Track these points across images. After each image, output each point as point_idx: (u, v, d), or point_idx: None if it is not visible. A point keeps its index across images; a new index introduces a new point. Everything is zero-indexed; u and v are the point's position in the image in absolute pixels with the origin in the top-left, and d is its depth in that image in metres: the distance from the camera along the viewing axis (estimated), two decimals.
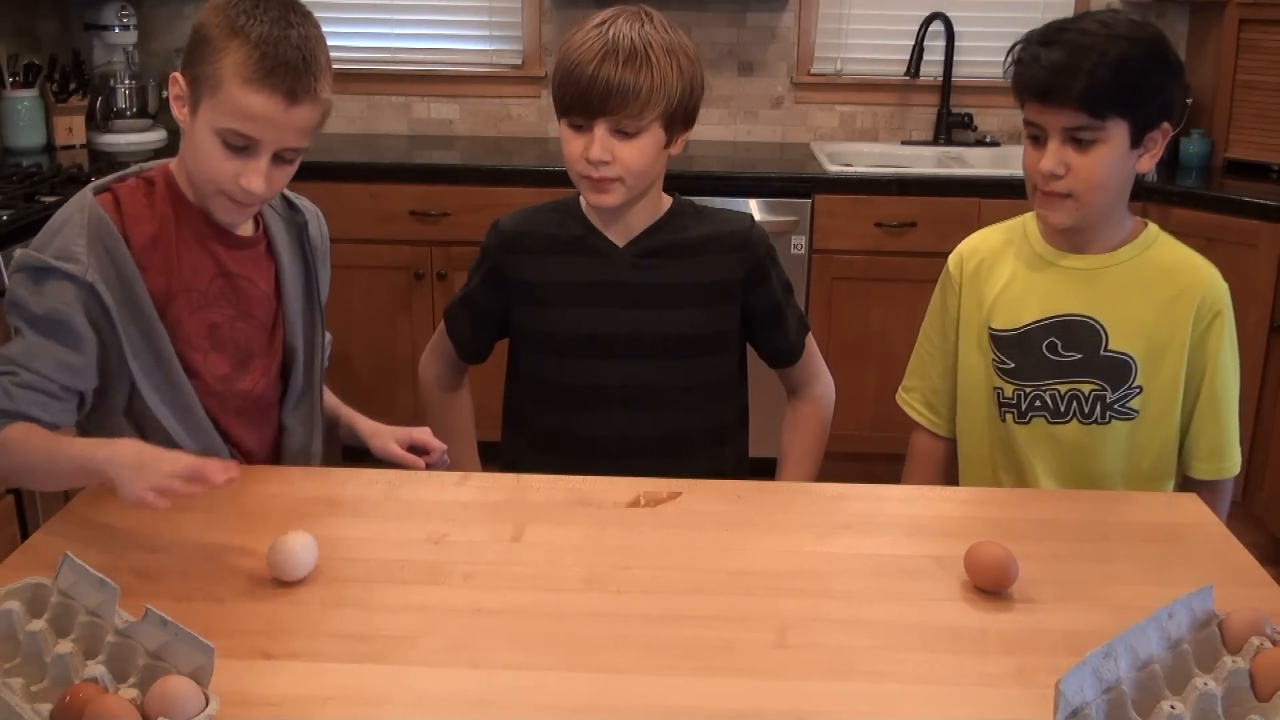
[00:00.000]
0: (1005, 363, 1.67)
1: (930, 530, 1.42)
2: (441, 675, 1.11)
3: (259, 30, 1.37)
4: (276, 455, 1.65)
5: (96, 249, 1.41)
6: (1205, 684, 1.01)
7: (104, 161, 3.24)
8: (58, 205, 2.56)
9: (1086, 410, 1.64)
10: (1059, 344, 1.64)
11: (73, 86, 3.43)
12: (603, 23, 1.55)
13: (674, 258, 1.66)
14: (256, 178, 1.41)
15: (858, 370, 3.26)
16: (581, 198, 1.68)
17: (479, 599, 1.24)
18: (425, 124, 3.78)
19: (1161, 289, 1.62)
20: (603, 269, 1.66)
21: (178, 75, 1.44)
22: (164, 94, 3.53)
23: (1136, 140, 1.55)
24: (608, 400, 1.68)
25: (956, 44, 3.63)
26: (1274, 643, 1.06)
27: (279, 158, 1.43)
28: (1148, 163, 1.59)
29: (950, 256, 1.77)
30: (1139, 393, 1.63)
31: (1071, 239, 1.65)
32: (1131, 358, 1.62)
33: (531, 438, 1.74)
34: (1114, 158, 1.55)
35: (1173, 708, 0.98)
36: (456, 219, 3.18)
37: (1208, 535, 1.44)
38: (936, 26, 3.59)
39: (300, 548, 1.25)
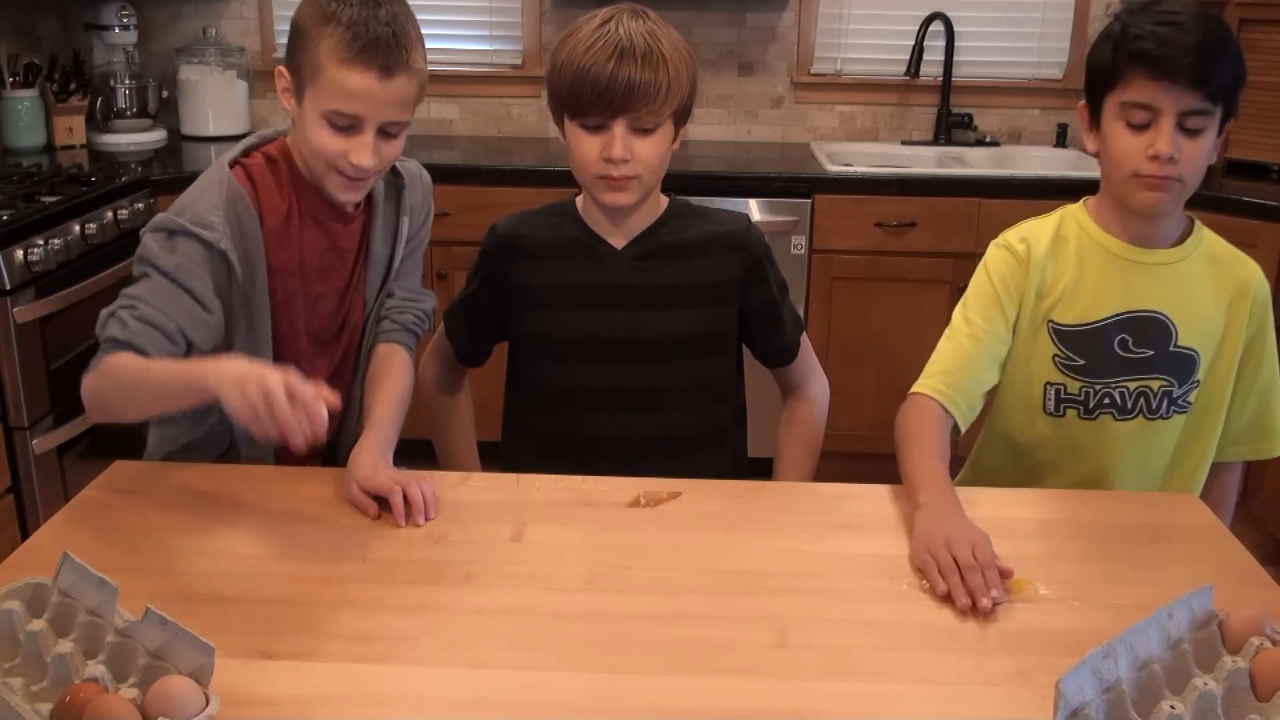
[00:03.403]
0: (1073, 359, 1.64)
1: None
2: (442, 675, 1.11)
3: (349, 14, 1.46)
4: (340, 428, 1.67)
5: (232, 221, 1.48)
6: (1205, 684, 1.01)
7: (104, 161, 3.24)
8: (58, 205, 2.60)
9: (1153, 406, 1.62)
10: (1130, 340, 1.61)
11: (73, 86, 3.43)
12: (605, 21, 1.54)
13: (672, 259, 1.66)
14: (364, 152, 1.48)
15: (857, 370, 3.26)
16: (578, 200, 1.68)
17: (479, 599, 1.24)
18: (425, 124, 3.77)
19: (1223, 284, 1.61)
20: (601, 272, 1.66)
21: (282, 69, 1.52)
22: (164, 94, 3.59)
23: (1220, 130, 1.55)
24: (607, 403, 1.68)
25: (956, 44, 3.63)
26: (1274, 643, 1.06)
27: (384, 132, 1.50)
28: (1214, 156, 1.58)
29: (1011, 240, 1.66)
30: (1197, 386, 1.62)
31: (1141, 233, 1.61)
32: (1196, 353, 1.61)
33: (532, 442, 1.74)
34: (1211, 146, 1.54)
35: (1173, 708, 0.98)
36: (456, 219, 3.17)
37: (1208, 535, 1.44)
38: (936, 26, 3.59)
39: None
